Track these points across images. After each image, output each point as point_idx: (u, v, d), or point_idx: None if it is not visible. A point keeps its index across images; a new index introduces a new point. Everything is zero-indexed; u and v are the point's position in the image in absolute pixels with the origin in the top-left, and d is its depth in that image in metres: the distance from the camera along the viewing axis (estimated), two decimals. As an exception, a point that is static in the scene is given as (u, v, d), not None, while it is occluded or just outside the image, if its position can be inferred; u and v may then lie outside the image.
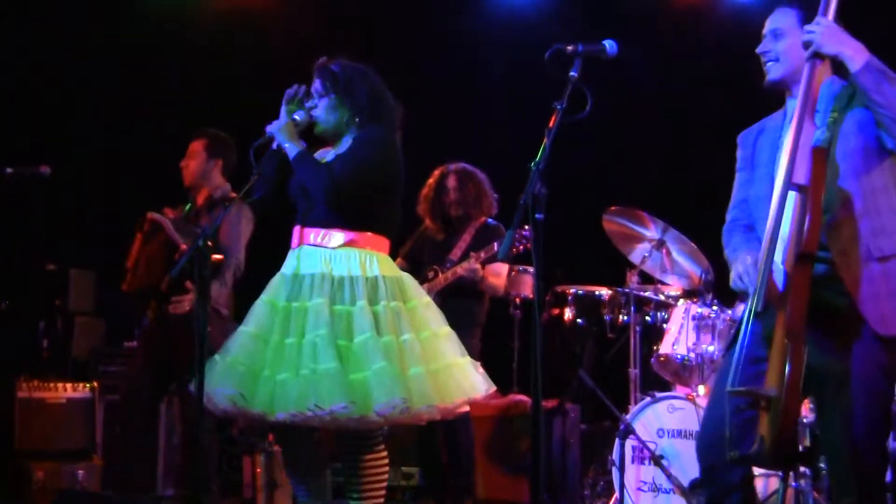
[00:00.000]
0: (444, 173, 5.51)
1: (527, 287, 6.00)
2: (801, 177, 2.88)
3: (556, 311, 5.88)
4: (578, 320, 5.83)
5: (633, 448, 4.94)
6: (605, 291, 5.77)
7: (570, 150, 3.26)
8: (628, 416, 4.97)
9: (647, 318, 5.54)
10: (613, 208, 5.39)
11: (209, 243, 3.57)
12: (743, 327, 2.95)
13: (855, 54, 2.89)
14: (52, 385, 5.76)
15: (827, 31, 2.92)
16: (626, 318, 5.54)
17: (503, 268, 5.39)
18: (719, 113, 6.63)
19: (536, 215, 2.83)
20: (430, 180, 5.53)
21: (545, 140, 2.88)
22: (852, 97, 3.00)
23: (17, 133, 6.58)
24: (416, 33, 7.24)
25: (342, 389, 3.49)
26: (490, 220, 5.47)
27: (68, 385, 5.81)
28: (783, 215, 2.90)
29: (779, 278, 2.92)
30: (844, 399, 2.93)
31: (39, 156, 5.18)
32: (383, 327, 3.64)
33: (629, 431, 4.88)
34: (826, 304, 2.91)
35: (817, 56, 2.95)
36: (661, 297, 5.53)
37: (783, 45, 3.09)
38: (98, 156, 7.09)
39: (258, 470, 5.57)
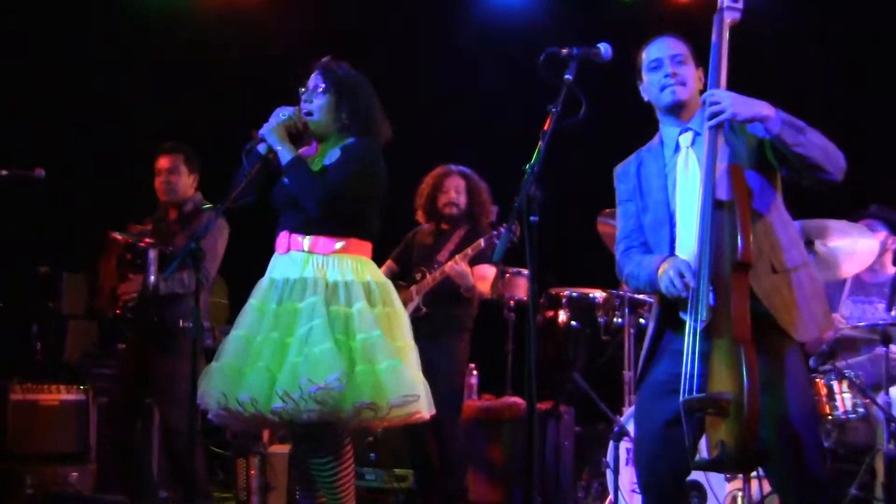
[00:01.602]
0: (447, 171, 5.50)
1: (521, 290, 6.00)
2: (723, 193, 3.00)
3: (551, 314, 5.89)
4: (572, 323, 5.84)
5: (627, 450, 4.94)
6: (599, 294, 5.77)
7: (564, 152, 3.28)
8: (622, 419, 4.97)
9: (641, 320, 5.54)
10: (607, 211, 5.39)
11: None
12: (689, 340, 3.00)
13: (769, 113, 2.99)
14: (45, 387, 5.74)
15: (735, 100, 3.02)
16: (620, 320, 5.55)
17: (489, 271, 5.36)
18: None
19: (531, 217, 2.84)
20: (429, 176, 5.52)
21: (540, 143, 2.89)
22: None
23: (12, 135, 6.57)
24: (411, 35, 7.25)
25: (336, 362, 3.51)
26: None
27: (62, 387, 5.79)
28: (704, 233, 2.99)
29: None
30: (780, 403, 3.00)
31: (34, 158, 5.17)
32: (383, 331, 3.68)
33: (623, 433, 4.88)
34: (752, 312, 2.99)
35: (720, 127, 3.05)
36: (655, 300, 5.53)
37: (687, 70, 3.23)
38: (92, 158, 7.08)
39: (252, 472, 5.57)
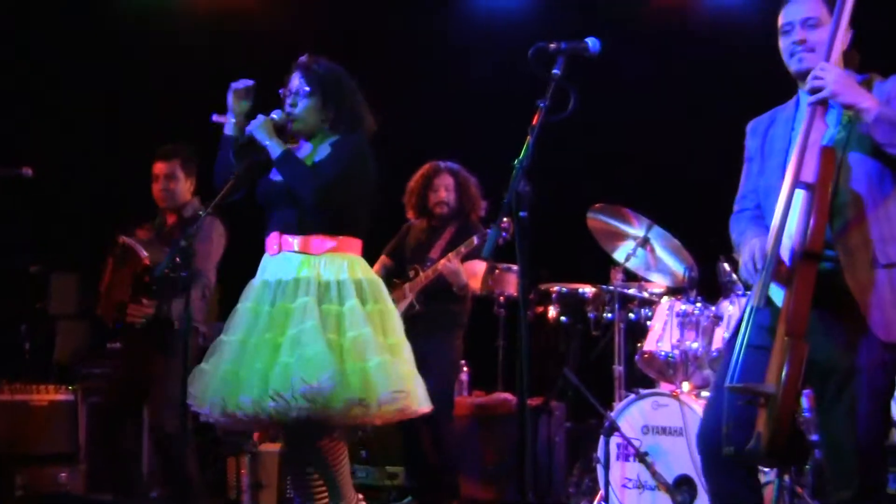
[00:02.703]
0: (436, 169, 5.49)
1: (511, 286, 5.99)
2: (809, 175, 2.87)
3: (541, 310, 5.89)
4: (563, 318, 5.84)
5: (618, 445, 4.94)
6: (589, 289, 5.77)
7: (553, 147, 3.26)
8: (613, 414, 4.97)
9: (632, 315, 5.54)
10: (598, 206, 5.39)
11: (178, 259, 3.62)
12: (744, 323, 2.95)
13: (869, 106, 2.87)
14: (34, 388, 5.72)
15: (841, 80, 2.89)
16: (610, 315, 5.55)
17: (480, 267, 5.36)
18: (704, 111, 6.64)
19: (520, 213, 2.83)
20: (419, 174, 5.51)
21: (529, 138, 2.88)
22: None
23: (3, 133, 6.54)
24: (399, 32, 7.24)
25: (328, 364, 3.50)
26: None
27: (51, 388, 5.77)
28: (790, 212, 2.89)
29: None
30: (849, 394, 2.93)
31: (22, 157, 5.14)
32: (374, 328, 3.68)
33: (614, 429, 4.88)
34: (833, 300, 2.91)
35: (821, 104, 2.92)
36: (646, 295, 5.54)
37: (818, 35, 3.03)
38: (80, 157, 7.05)
39: (243, 471, 5.55)
